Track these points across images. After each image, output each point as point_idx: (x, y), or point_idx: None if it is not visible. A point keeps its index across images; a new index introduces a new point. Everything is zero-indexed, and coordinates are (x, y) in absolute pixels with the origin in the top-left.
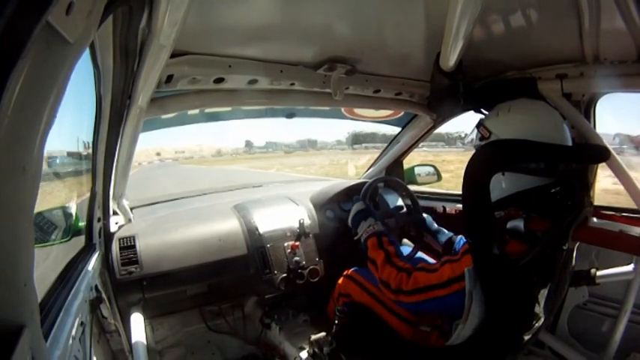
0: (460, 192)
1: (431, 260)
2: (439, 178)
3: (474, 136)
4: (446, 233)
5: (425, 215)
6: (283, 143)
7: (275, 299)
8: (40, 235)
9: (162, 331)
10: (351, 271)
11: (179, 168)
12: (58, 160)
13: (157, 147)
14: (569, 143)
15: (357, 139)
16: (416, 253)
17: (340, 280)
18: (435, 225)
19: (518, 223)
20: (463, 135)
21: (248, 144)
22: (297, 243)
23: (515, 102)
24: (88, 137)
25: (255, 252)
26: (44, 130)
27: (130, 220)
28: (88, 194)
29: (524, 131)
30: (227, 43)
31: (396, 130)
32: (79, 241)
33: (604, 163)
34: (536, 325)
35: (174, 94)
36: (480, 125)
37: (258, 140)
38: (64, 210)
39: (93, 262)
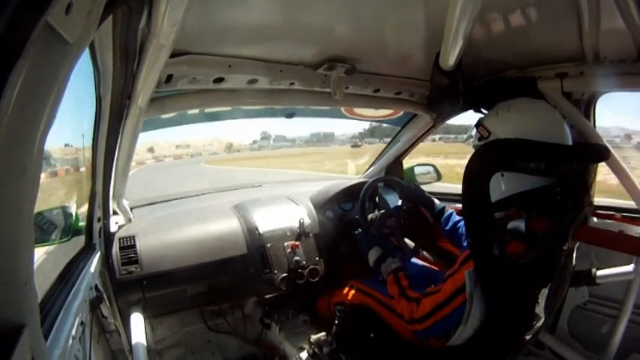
0: (460, 192)
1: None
2: (439, 177)
3: (473, 135)
4: (438, 204)
5: (416, 185)
6: (302, 137)
7: (275, 299)
8: (40, 235)
9: (162, 330)
10: (353, 281)
11: None
12: (58, 160)
13: (148, 142)
14: (570, 143)
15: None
16: (417, 252)
17: (345, 290)
18: (428, 196)
19: (519, 224)
20: None
21: (265, 136)
22: (297, 243)
23: (515, 101)
24: (88, 137)
25: (255, 252)
26: (44, 130)
27: (130, 220)
28: (88, 194)
29: (524, 131)
30: (227, 43)
31: None
32: (79, 241)
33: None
34: (537, 325)
35: (174, 94)
36: (479, 125)
37: (274, 132)
38: (64, 210)
39: (93, 261)
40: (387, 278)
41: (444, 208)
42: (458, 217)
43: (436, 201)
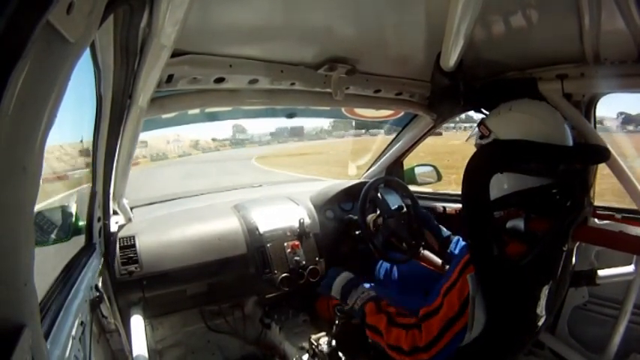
0: (460, 192)
1: (433, 256)
2: (439, 178)
3: (475, 134)
4: (444, 231)
5: (426, 212)
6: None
7: (275, 299)
8: (40, 235)
9: (162, 330)
10: None
11: None
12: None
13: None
14: (570, 144)
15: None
16: (417, 252)
17: None
18: (435, 222)
19: (518, 223)
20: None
21: (239, 129)
22: (297, 242)
23: (517, 101)
24: (89, 137)
25: (255, 251)
26: (44, 130)
27: (130, 220)
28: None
29: (524, 131)
30: (228, 43)
31: None
32: (79, 241)
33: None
34: (538, 325)
35: (174, 94)
36: (480, 124)
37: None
38: (64, 210)
39: (93, 261)
40: (361, 307)
41: (449, 235)
42: (464, 242)
43: (443, 228)
